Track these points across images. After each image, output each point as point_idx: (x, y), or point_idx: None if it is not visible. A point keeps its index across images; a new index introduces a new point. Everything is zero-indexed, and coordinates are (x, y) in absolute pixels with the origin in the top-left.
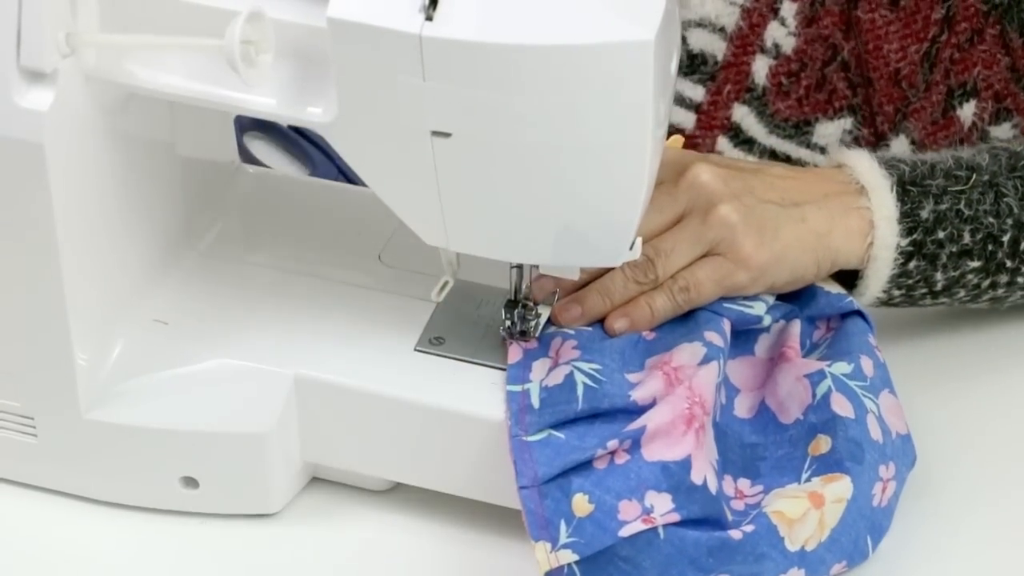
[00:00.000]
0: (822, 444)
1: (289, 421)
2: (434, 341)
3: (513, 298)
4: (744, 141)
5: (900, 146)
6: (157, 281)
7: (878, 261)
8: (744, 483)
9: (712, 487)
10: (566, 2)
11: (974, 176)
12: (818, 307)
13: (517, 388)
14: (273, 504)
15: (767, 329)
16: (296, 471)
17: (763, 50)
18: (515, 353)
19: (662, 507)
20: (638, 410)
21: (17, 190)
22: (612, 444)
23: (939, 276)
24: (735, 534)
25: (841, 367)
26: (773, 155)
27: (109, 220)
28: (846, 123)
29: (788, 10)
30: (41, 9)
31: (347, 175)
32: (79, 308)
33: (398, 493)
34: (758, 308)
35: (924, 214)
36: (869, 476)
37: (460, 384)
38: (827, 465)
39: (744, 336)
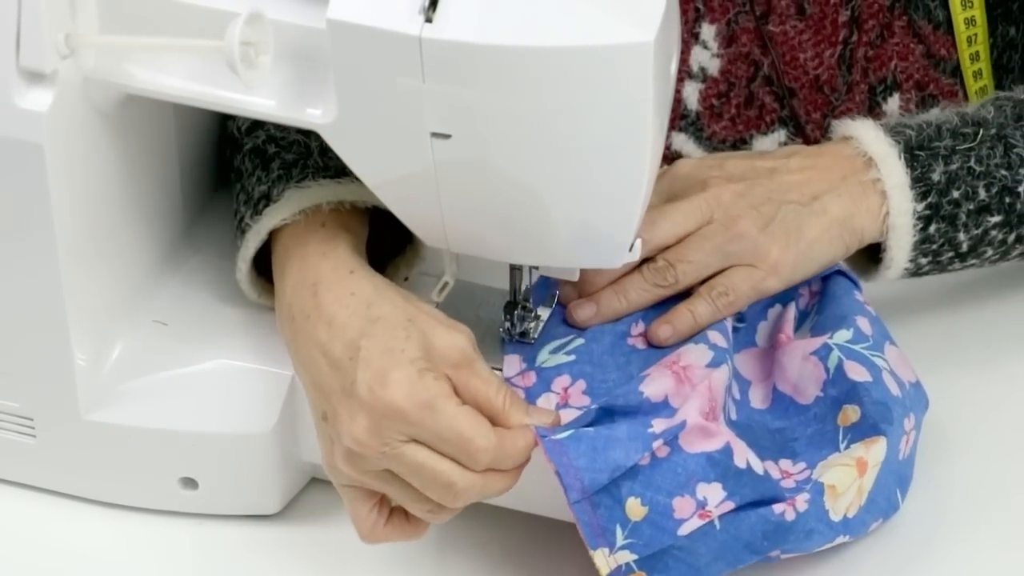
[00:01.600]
0: (850, 414)
1: (289, 421)
2: None
3: (512, 299)
4: None
5: None
6: (157, 281)
7: (897, 229)
8: (786, 463)
9: (758, 468)
10: (565, 4)
11: (981, 131)
12: None
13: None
14: (273, 504)
15: (764, 316)
16: (296, 471)
17: (691, 75)
18: (525, 379)
19: (715, 497)
20: (651, 406)
21: (17, 190)
22: (656, 444)
23: (962, 236)
24: (788, 514)
25: (842, 335)
26: None
27: (109, 220)
28: (780, 136)
29: (707, 32)
30: (40, 10)
31: None
32: (78, 309)
33: None
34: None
35: (935, 176)
36: (897, 433)
37: None
38: (862, 431)
39: (744, 329)
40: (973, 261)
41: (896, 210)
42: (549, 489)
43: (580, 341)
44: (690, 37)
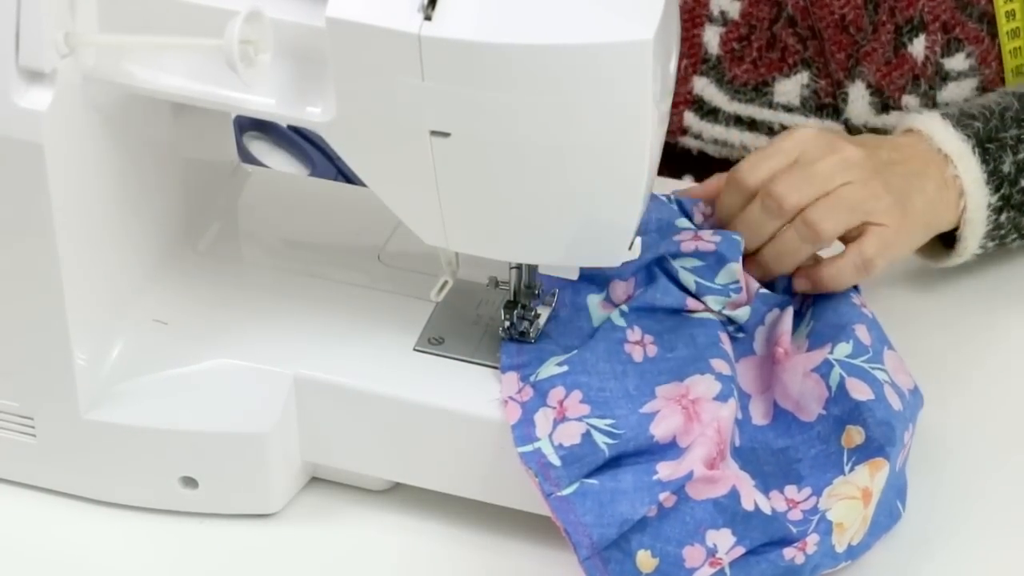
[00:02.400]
0: (855, 436)
1: (289, 421)
2: (433, 341)
3: (512, 299)
4: (709, 112)
5: (857, 91)
6: (157, 281)
7: (974, 223)
8: (791, 490)
9: (765, 508)
10: (565, 1)
11: None
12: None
13: (528, 448)
14: (273, 504)
15: (762, 321)
16: (296, 471)
17: (711, 19)
18: (513, 412)
19: (725, 544)
20: (659, 448)
21: (16, 190)
22: (664, 496)
23: None
24: (799, 559)
25: (843, 349)
26: (738, 120)
27: (108, 220)
28: (802, 78)
29: None
30: (40, 9)
31: (346, 175)
32: (78, 308)
33: (398, 493)
34: (743, 314)
35: (1006, 168)
36: (898, 450)
37: (459, 384)
38: (868, 453)
39: (743, 338)
40: None
41: (973, 205)
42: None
43: (574, 351)
44: None
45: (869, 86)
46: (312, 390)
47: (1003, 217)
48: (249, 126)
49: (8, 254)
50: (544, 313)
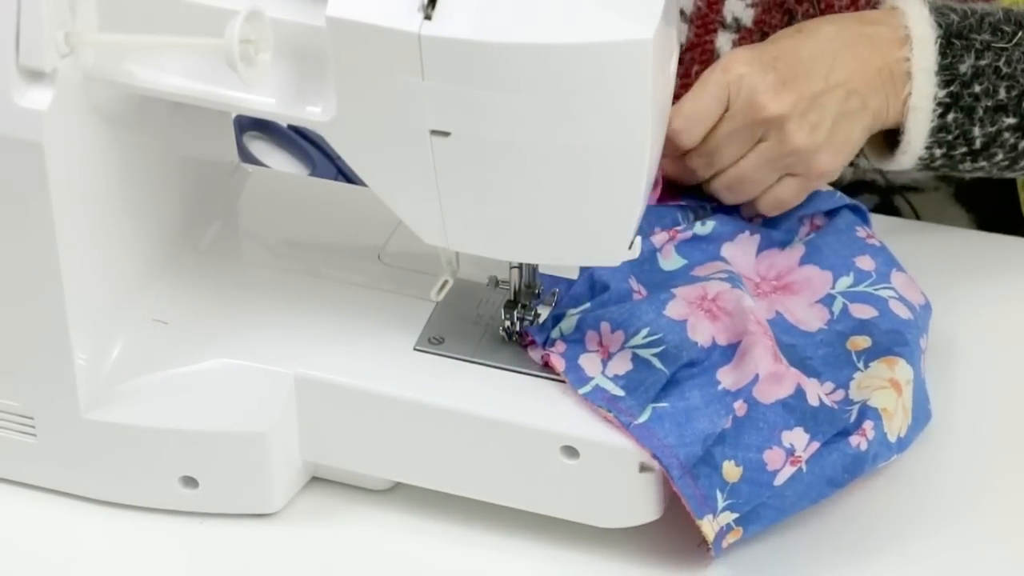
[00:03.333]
0: (860, 342)
1: (289, 421)
2: (434, 341)
3: (513, 298)
4: None
5: None
6: (157, 281)
7: (917, 112)
8: (814, 383)
9: (828, 402)
10: (565, 1)
11: (1020, 33)
12: (810, 205)
13: (588, 388)
14: (273, 504)
15: (731, 238)
16: (296, 471)
17: (724, 26)
18: (557, 362)
19: (801, 442)
20: (708, 353)
21: (16, 190)
22: (737, 405)
23: (977, 131)
24: (862, 445)
25: (844, 283)
26: None
27: (108, 220)
28: None
29: None
30: (40, 9)
31: (346, 175)
32: (79, 307)
33: (398, 493)
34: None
35: (963, 68)
36: (916, 353)
37: (459, 384)
38: (876, 354)
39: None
40: (983, 163)
41: (918, 93)
42: (550, 488)
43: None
44: None
45: None
46: (312, 390)
47: (950, 117)
48: (249, 126)
49: (8, 254)
50: (544, 313)
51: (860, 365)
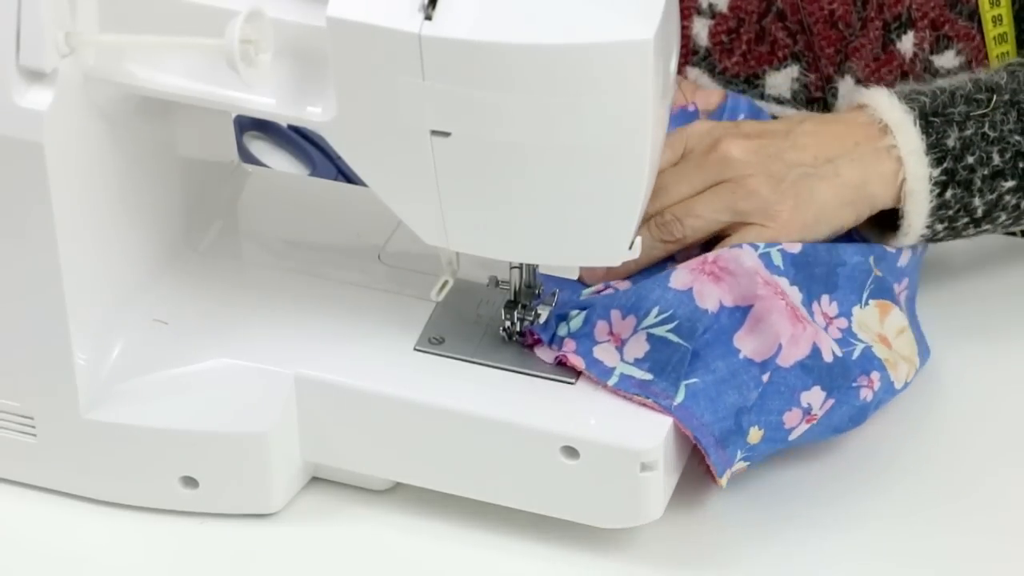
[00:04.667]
0: (879, 270)
1: (289, 421)
2: (434, 341)
3: (513, 299)
4: None
5: (846, 87)
6: (157, 281)
7: (915, 195)
8: (826, 301)
9: (840, 353)
10: (565, 1)
11: (995, 97)
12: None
13: (615, 379)
14: (273, 504)
15: None
16: (296, 471)
17: (699, 12)
18: (575, 360)
19: (818, 400)
20: (718, 319)
21: (17, 190)
22: (765, 378)
23: (977, 201)
24: (868, 396)
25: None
26: None
27: (109, 219)
28: (792, 71)
29: None
30: (40, 9)
31: (347, 175)
32: (79, 308)
33: (398, 493)
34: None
35: (951, 142)
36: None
37: (459, 384)
38: (878, 292)
39: None
40: (987, 227)
41: (913, 175)
42: (550, 488)
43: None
44: None
45: (858, 81)
46: (312, 390)
47: (948, 194)
48: (249, 126)
49: (8, 254)
50: (544, 313)
51: (864, 296)
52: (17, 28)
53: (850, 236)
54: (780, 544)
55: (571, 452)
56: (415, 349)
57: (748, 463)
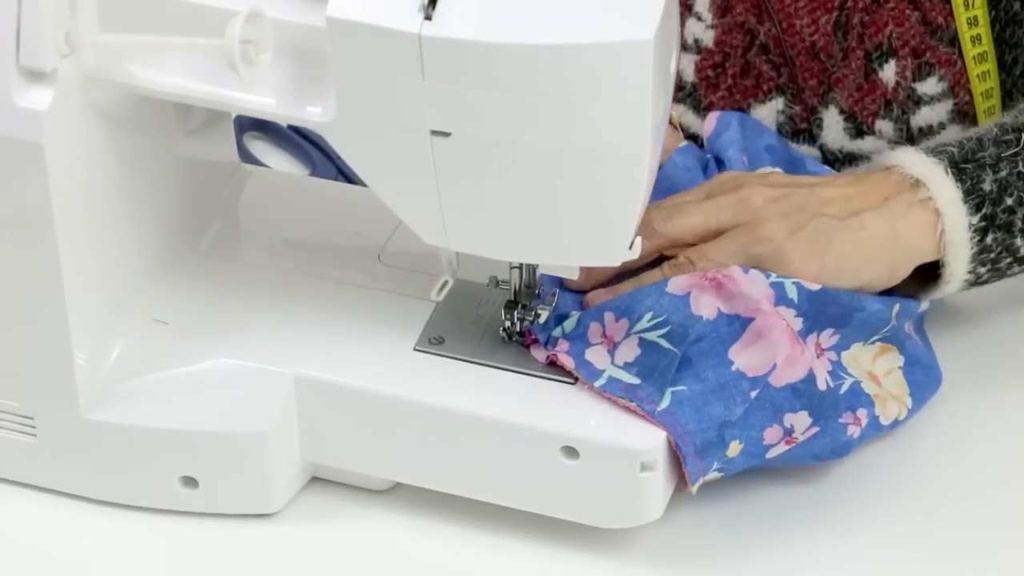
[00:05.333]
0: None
1: (289, 421)
2: (434, 341)
3: (513, 298)
4: (688, 138)
5: (831, 117)
6: (157, 281)
7: (955, 245)
8: (827, 333)
9: (832, 384)
10: (565, 1)
11: (1023, 136)
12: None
13: (603, 380)
14: (273, 504)
15: None
16: (296, 471)
17: (685, 48)
18: (566, 360)
19: (802, 425)
20: (714, 327)
21: (17, 190)
22: (754, 394)
23: (1019, 242)
24: (855, 432)
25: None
26: None
27: (109, 220)
28: (777, 103)
29: (702, 4)
30: (40, 9)
31: (347, 175)
32: (79, 307)
33: (398, 493)
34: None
35: (986, 186)
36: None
37: (459, 384)
38: (893, 338)
39: None
40: None
41: (952, 226)
42: (550, 488)
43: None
44: (683, 8)
45: (842, 111)
46: (312, 390)
47: (989, 239)
48: (249, 126)
49: (8, 254)
50: (544, 313)
51: (874, 340)
52: (17, 28)
53: (891, 294)
54: (780, 544)
55: (571, 452)
56: (415, 349)
57: (721, 474)
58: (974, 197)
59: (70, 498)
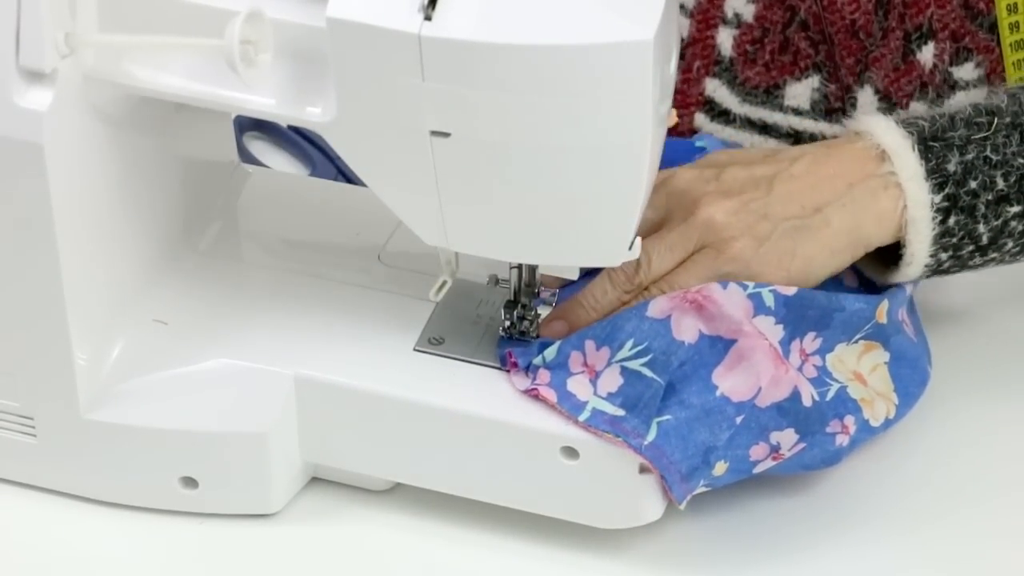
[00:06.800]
0: (882, 315)
1: (289, 421)
2: (433, 341)
3: (512, 298)
4: (720, 113)
5: (866, 97)
6: (157, 281)
7: (916, 223)
8: (809, 337)
9: (817, 397)
10: (565, 2)
11: (995, 120)
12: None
13: (587, 414)
14: (273, 504)
15: None
16: (296, 471)
17: (725, 21)
18: (547, 394)
19: (788, 442)
20: (696, 350)
21: (16, 190)
22: (739, 420)
23: (982, 228)
24: (844, 442)
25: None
26: (749, 123)
27: (108, 220)
28: (813, 81)
29: None
30: (40, 9)
31: (346, 175)
32: (79, 308)
33: (398, 493)
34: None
35: (951, 167)
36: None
37: (459, 384)
38: (876, 335)
39: None
40: (993, 255)
41: (913, 202)
42: (550, 489)
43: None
44: None
45: (877, 91)
46: (312, 390)
47: (951, 220)
48: (249, 126)
49: (8, 254)
50: (544, 313)
51: (857, 338)
52: (17, 28)
53: (852, 270)
54: (781, 545)
55: (571, 452)
56: (415, 349)
57: (709, 488)
58: (937, 176)
59: (70, 498)
